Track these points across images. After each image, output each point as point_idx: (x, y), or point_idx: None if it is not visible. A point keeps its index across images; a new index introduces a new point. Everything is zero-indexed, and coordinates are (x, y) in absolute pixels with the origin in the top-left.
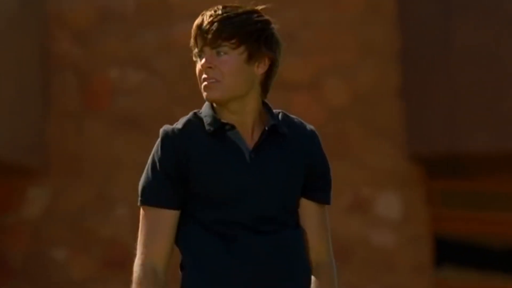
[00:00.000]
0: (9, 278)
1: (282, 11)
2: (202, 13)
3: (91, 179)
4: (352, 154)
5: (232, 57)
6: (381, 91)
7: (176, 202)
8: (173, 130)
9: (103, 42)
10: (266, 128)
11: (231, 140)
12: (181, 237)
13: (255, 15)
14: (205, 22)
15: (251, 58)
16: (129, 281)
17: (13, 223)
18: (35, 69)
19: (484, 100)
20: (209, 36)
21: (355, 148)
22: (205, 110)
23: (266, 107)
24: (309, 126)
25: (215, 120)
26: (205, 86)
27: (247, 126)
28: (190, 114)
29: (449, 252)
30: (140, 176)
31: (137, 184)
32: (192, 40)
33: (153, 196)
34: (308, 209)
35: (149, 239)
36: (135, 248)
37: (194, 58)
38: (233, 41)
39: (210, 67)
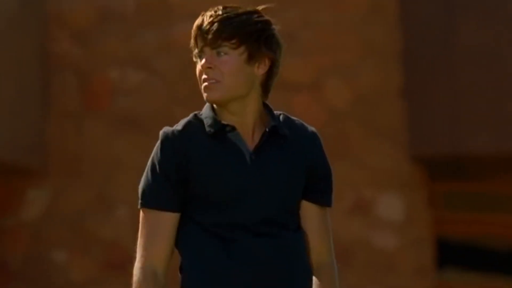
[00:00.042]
0: (9, 280)
1: (283, 11)
2: (202, 14)
3: (91, 180)
4: (353, 155)
5: (232, 57)
6: (382, 91)
7: (176, 205)
8: (173, 132)
9: (103, 42)
10: (267, 130)
11: (232, 142)
12: (180, 239)
13: (256, 15)
14: (205, 23)
15: (251, 58)
16: (129, 283)
17: (12, 224)
18: (35, 69)
19: (486, 101)
20: (209, 36)
21: (356, 149)
22: (205, 112)
23: (267, 109)
24: (311, 128)
25: (216, 122)
26: (205, 86)
27: (247, 128)
28: (191, 115)
29: (451, 254)
30: (140, 177)
31: (137, 185)
32: (192, 41)
33: (153, 199)
34: (309, 211)
35: (149, 241)
36: (135, 250)
37: (194, 59)
38: (233, 41)
39: (210, 68)
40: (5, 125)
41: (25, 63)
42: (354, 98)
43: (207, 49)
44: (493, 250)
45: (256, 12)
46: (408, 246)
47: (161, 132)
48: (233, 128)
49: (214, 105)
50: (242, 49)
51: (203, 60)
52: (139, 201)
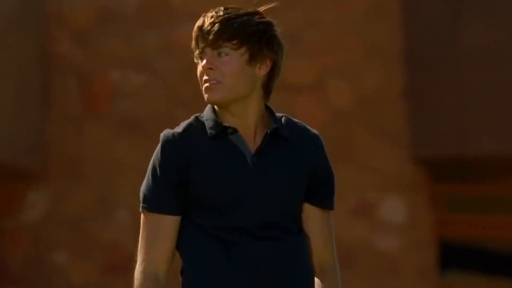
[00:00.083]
0: (9, 282)
1: (285, 11)
2: (203, 14)
3: (91, 183)
4: (356, 157)
5: (233, 58)
6: (385, 92)
7: (177, 208)
8: (173, 134)
9: (104, 43)
10: (268, 132)
11: (233, 144)
12: (181, 242)
13: (257, 16)
14: (206, 23)
15: (252, 59)
16: (130, 286)
17: (13, 226)
18: (35, 70)
19: (491, 102)
20: (210, 37)
21: (359, 151)
22: (206, 114)
23: (269, 111)
24: (313, 131)
25: (217, 124)
26: (206, 87)
27: (249, 130)
28: (192, 118)
29: (454, 256)
30: (141, 179)
31: (138, 188)
32: (193, 42)
33: (154, 202)
34: (311, 214)
35: (150, 245)
36: (135, 253)
37: (195, 60)
38: (234, 42)
39: (211, 68)
40: (5, 126)
41: (25, 64)
42: (357, 99)
43: (208, 50)
44: (496, 252)
45: (258, 13)
46: (411, 248)
47: (161, 135)
48: (235, 130)
49: (216, 107)
50: (243, 49)
51: (204, 61)
52: (140, 205)
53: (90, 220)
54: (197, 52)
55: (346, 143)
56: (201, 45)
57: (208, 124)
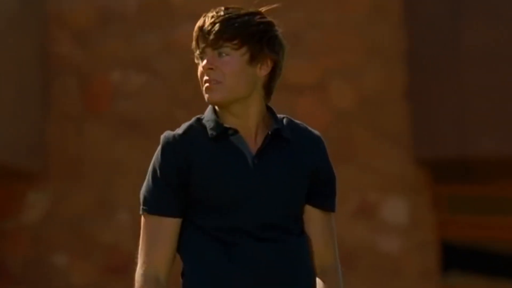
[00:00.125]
0: (9, 284)
1: (287, 11)
2: (204, 15)
3: (91, 183)
4: (358, 158)
5: (234, 58)
6: (387, 93)
7: (177, 210)
8: (174, 136)
9: (104, 43)
10: (269, 133)
11: (234, 145)
12: (182, 244)
13: (258, 16)
14: (207, 23)
15: (253, 59)
16: (130, 287)
17: (13, 227)
18: (35, 70)
19: (493, 103)
20: (211, 37)
21: (361, 151)
22: (207, 115)
23: (270, 112)
24: (315, 132)
25: (218, 125)
26: (206, 87)
27: (250, 131)
28: (193, 119)
29: (456, 257)
30: (141, 180)
31: (138, 188)
32: (193, 42)
33: (154, 204)
34: (312, 216)
35: (151, 247)
36: (136, 254)
37: (196, 60)
38: (235, 41)
39: (211, 68)
40: (5, 126)
41: (25, 64)
42: (358, 99)
43: (208, 50)
44: (498, 254)
45: (259, 13)
46: (412, 249)
47: (162, 137)
48: (236, 131)
49: (216, 108)
50: (244, 50)
51: (205, 61)
52: (141, 207)
53: (90, 221)
54: (197, 52)
55: (347, 143)
56: (202, 45)
57: (209, 125)
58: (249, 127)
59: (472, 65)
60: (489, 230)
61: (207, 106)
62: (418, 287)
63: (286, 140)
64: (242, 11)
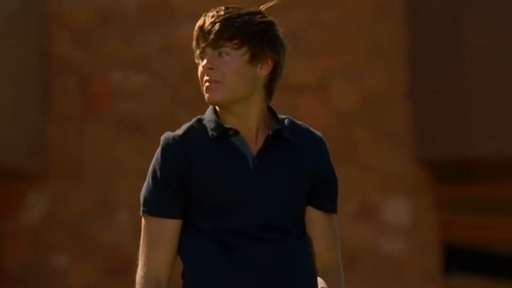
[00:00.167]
0: (9, 285)
1: (288, 12)
2: (204, 14)
3: (91, 184)
4: (360, 158)
5: (234, 57)
6: (389, 93)
7: (178, 212)
8: (173, 137)
9: (104, 44)
10: (270, 133)
11: (235, 146)
12: (182, 245)
13: (259, 16)
14: (207, 23)
15: (254, 59)
16: None
17: (12, 228)
18: (35, 70)
19: (494, 103)
20: (211, 36)
21: (363, 152)
22: (208, 115)
23: (271, 112)
24: (317, 133)
25: (218, 125)
26: (206, 87)
27: (251, 131)
28: (193, 120)
29: (458, 258)
30: (141, 181)
31: (138, 189)
32: (194, 42)
33: (154, 206)
34: (314, 217)
35: (152, 249)
36: (136, 255)
37: (196, 60)
38: (235, 41)
39: (212, 68)
40: (4, 127)
41: (25, 64)
42: (360, 100)
43: (208, 50)
44: (500, 255)
45: (259, 12)
46: (414, 250)
47: (162, 138)
48: (236, 132)
49: (217, 108)
50: (244, 49)
51: (205, 61)
52: (141, 209)
53: (90, 221)
54: (197, 52)
55: (348, 144)
56: (202, 45)
57: (210, 125)
58: (249, 127)
59: (474, 65)
60: (491, 231)
61: (207, 106)
62: None
63: (287, 140)
64: (243, 11)
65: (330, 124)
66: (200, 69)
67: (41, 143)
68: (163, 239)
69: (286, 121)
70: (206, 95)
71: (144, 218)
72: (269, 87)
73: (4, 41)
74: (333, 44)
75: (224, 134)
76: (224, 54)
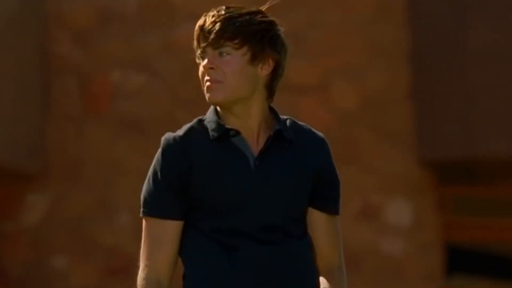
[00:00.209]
0: (8, 285)
1: (288, 12)
2: (204, 14)
3: (91, 185)
4: (361, 159)
5: (235, 57)
6: (391, 94)
7: (178, 213)
8: (174, 138)
9: (104, 44)
10: (271, 134)
11: (236, 146)
12: (182, 247)
13: (259, 15)
14: (208, 23)
15: (254, 58)
16: None
17: (12, 229)
18: (35, 70)
19: (498, 103)
20: (212, 36)
21: (364, 153)
22: (209, 116)
23: (272, 112)
24: (319, 134)
25: (219, 126)
26: (207, 87)
27: (252, 131)
28: (194, 120)
29: (460, 260)
30: (142, 182)
31: (139, 189)
32: (194, 41)
33: (155, 207)
34: (316, 218)
35: (152, 250)
36: (136, 256)
37: (197, 60)
38: (236, 41)
39: (212, 68)
40: (4, 127)
41: (25, 64)
42: (362, 100)
43: (209, 50)
44: (502, 256)
45: (260, 12)
46: (416, 251)
47: (162, 139)
48: (237, 132)
49: (218, 108)
50: (245, 49)
51: (205, 61)
52: (141, 210)
53: (90, 222)
54: (198, 51)
55: (350, 145)
56: (203, 44)
57: (211, 126)
58: (251, 128)
59: (476, 65)
60: (494, 232)
61: (207, 107)
62: None
63: (288, 141)
64: (244, 10)
65: (331, 124)
66: (201, 69)
67: (41, 143)
68: (163, 240)
69: (288, 121)
70: (207, 95)
71: (145, 219)
72: (270, 87)
73: (4, 41)
74: (334, 44)
75: (225, 134)
76: (225, 54)
